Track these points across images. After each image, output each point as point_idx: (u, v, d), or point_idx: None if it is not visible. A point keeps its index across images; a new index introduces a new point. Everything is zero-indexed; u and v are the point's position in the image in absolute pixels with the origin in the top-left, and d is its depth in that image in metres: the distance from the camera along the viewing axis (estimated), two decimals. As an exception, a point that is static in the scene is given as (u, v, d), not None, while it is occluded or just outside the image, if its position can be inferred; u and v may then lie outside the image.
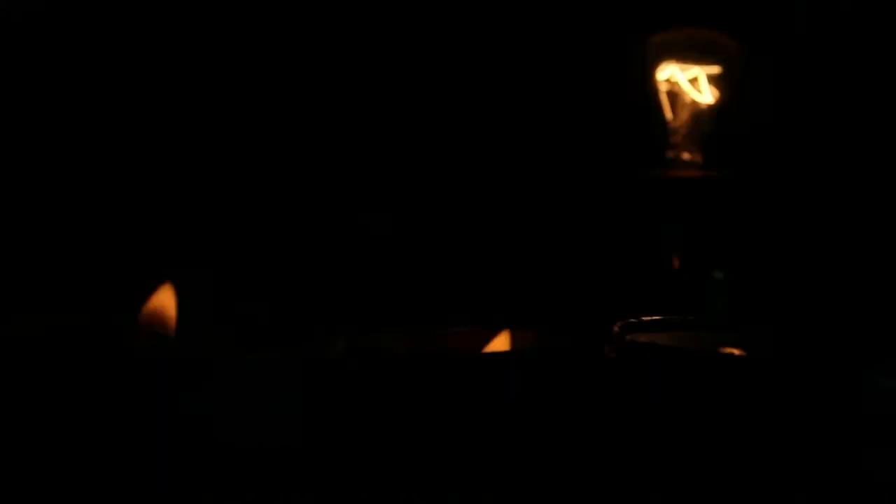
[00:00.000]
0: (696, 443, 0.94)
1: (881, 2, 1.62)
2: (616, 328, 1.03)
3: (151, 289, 1.14)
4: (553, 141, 1.65)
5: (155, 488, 0.99)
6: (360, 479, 0.96)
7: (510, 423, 0.97)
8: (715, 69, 1.69)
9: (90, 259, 1.55)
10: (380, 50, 1.63)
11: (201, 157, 1.61)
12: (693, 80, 1.69)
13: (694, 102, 1.69)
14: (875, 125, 1.63)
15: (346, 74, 1.63)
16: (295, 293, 1.55)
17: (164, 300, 1.10)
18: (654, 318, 1.07)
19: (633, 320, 1.05)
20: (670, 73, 1.69)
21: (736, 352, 1.02)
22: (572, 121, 1.65)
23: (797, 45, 1.64)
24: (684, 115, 1.69)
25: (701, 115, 1.69)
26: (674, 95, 1.70)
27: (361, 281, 1.58)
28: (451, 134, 1.64)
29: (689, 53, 1.69)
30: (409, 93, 1.63)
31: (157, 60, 1.60)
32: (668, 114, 1.69)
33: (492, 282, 1.59)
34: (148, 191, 1.60)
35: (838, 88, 1.63)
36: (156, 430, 0.99)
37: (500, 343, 1.09)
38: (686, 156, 1.68)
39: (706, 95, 1.69)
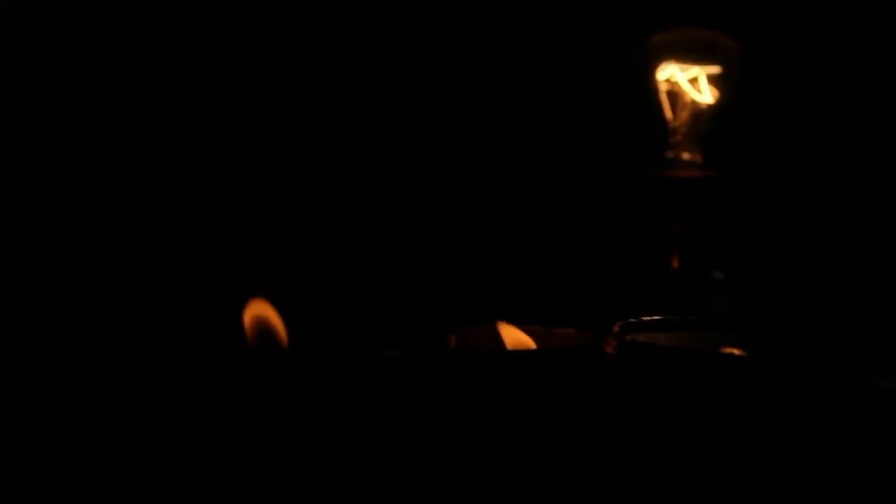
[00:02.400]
0: (696, 443, 0.94)
1: (881, 2, 1.62)
2: (616, 328, 1.03)
3: (151, 291, 1.14)
4: (553, 141, 1.65)
5: (155, 488, 0.99)
6: (359, 479, 0.97)
7: (510, 423, 0.97)
8: (715, 69, 1.69)
9: (92, 259, 1.55)
10: (380, 51, 1.63)
11: (206, 160, 1.61)
12: (693, 80, 1.69)
13: (694, 102, 1.69)
14: (875, 125, 1.63)
15: (346, 76, 1.63)
16: (294, 294, 1.55)
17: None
18: (654, 318, 1.07)
19: (633, 320, 1.05)
20: (670, 73, 1.69)
21: (736, 352, 1.02)
22: (573, 121, 1.65)
23: (797, 45, 1.64)
24: (684, 115, 1.69)
25: (701, 115, 1.69)
26: (674, 95, 1.70)
27: (362, 282, 1.58)
28: (452, 135, 1.64)
29: (689, 53, 1.69)
30: (410, 94, 1.63)
31: (157, 62, 1.60)
32: (668, 114, 1.69)
33: (490, 282, 1.59)
34: (150, 193, 1.60)
35: (838, 88, 1.63)
36: (156, 429, 0.99)
37: (501, 342, 1.09)
38: (686, 156, 1.68)
39: (706, 95, 1.69)
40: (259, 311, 1.08)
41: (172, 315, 1.12)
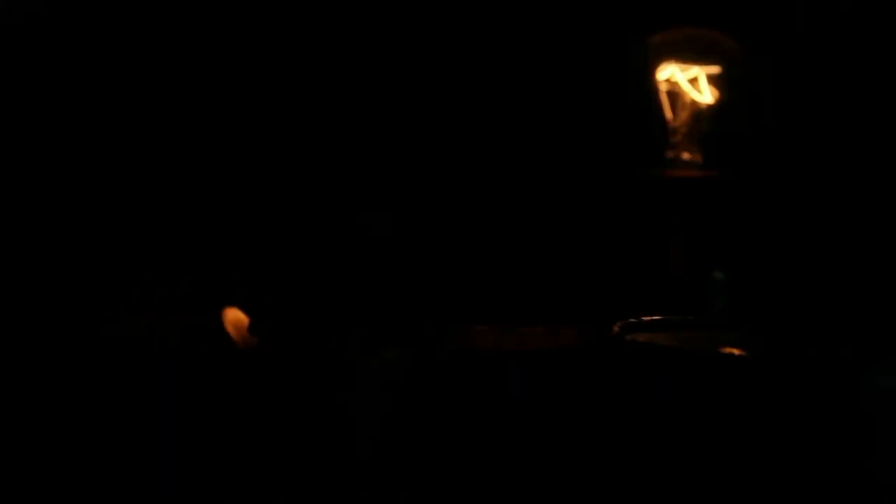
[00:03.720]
0: (696, 442, 0.94)
1: (881, 2, 1.62)
2: (616, 328, 1.03)
3: (151, 291, 1.13)
4: (554, 141, 1.65)
5: (155, 487, 0.99)
6: (359, 479, 0.96)
7: (510, 422, 0.97)
8: (715, 69, 1.69)
9: (92, 261, 1.55)
10: (381, 53, 1.63)
11: (207, 161, 1.61)
12: (693, 80, 1.69)
13: (694, 102, 1.69)
14: (875, 125, 1.62)
15: (347, 78, 1.63)
16: (295, 294, 1.55)
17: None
18: (654, 318, 1.07)
19: (633, 320, 1.05)
20: (670, 73, 1.69)
21: (736, 352, 1.02)
22: (573, 121, 1.65)
23: (797, 45, 1.64)
24: (684, 115, 1.69)
25: (701, 115, 1.69)
26: (674, 95, 1.70)
27: (363, 282, 1.58)
28: (453, 135, 1.64)
29: (689, 53, 1.69)
30: (410, 95, 1.63)
31: (158, 63, 1.60)
32: (668, 114, 1.69)
33: (491, 282, 1.59)
34: (151, 195, 1.59)
35: (838, 88, 1.63)
36: (156, 428, 0.99)
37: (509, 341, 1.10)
38: (686, 156, 1.68)
39: (706, 95, 1.69)
40: (234, 317, 1.09)
41: (172, 315, 1.12)
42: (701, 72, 1.70)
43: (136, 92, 1.60)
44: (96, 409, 1.01)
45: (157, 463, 0.99)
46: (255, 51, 1.62)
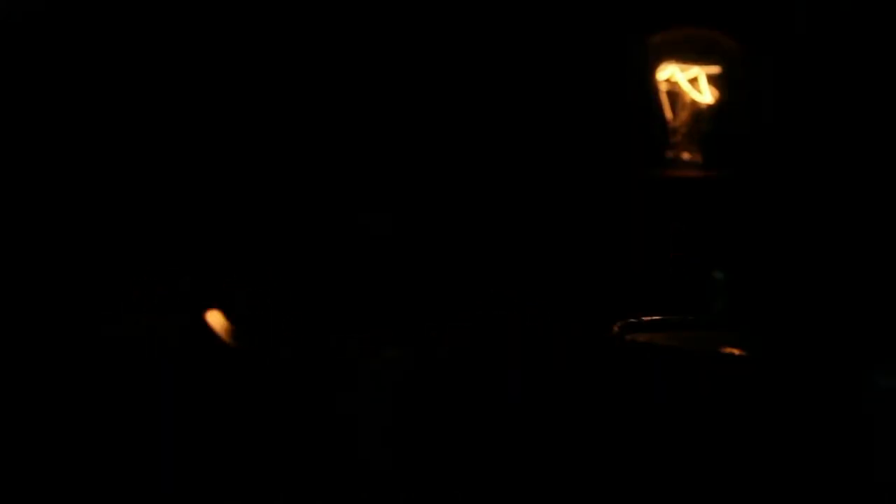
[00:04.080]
0: (696, 442, 0.94)
1: (881, 2, 1.62)
2: (616, 328, 1.03)
3: (151, 291, 1.13)
4: (554, 141, 1.65)
5: (155, 487, 0.99)
6: (359, 479, 0.97)
7: (510, 422, 0.97)
8: (715, 69, 1.69)
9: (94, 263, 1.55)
10: (381, 53, 1.63)
11: (207, 162, 1.61)
12: (693, 80, 1.69)
13: (694, 102, 1.69)
14: (874, 125, 1.63)
15: (347, 78, 1.63)
16: (295, 294, 1.55)
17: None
18: (654, 318, 1.07)
19: (633, 320, 1.05)
20: (670, 73, 1.69)
21: (736, 352, 1.02)
22: (573, 121, 1.65)
23: (797, 45, 1.65)
24: (684, 115, 1.69)
25: (701, 115, 1.69)
26: (674, 95, 1.70)
27: (362, 282, 1.58)
28: (453, 136, 1.64)
29: (689, 53, 1.69)
30: (411, 95, 1.63)
31: (158, 65, 1.60)
32: (668, 114, 1.69)
33: (491, 282, 1.59)
34: (151, 195, 1.60)
35: (838, 88, 1.63)
36: (156, 429, 0.99)
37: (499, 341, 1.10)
38: (686, 156, 1.68)
39: (706, 95, 1.69)
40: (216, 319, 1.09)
41: (172, 315, 1.13)
42: (701, 72, 1.70)
43: (137, 92, 1.60)
44: (96, 409, 1.01)
45: (157, 463, 0.99)
46: (255, 52, 1.62)
